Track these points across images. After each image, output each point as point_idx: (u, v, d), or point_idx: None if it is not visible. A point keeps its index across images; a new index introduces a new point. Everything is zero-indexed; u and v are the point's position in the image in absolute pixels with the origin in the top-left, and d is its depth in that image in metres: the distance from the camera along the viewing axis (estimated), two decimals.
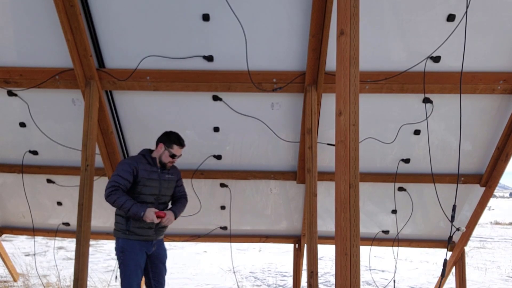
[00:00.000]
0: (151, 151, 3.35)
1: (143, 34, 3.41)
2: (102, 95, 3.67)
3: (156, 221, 3.08)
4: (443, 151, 3.93)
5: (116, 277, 3.36)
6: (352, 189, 2.05)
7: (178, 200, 3.44)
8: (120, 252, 3.18)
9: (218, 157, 4.10)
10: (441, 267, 2.81)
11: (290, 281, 6.35)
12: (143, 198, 3.19)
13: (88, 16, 3.30)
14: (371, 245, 4.53)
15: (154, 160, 3.27)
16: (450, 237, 3.00)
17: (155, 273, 3.36)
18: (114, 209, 4.43)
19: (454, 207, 2.69)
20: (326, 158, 3.98)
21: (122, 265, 3.17)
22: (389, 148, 3.93)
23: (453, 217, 2.67)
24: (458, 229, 2.89)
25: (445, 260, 2.86)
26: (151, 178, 3.21)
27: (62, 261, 7.71)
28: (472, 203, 4.20)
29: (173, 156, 3.25)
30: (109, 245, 10.06)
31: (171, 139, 3.25)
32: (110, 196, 3.03)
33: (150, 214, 3.05)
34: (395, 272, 4.62)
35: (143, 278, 3.38)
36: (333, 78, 3.00)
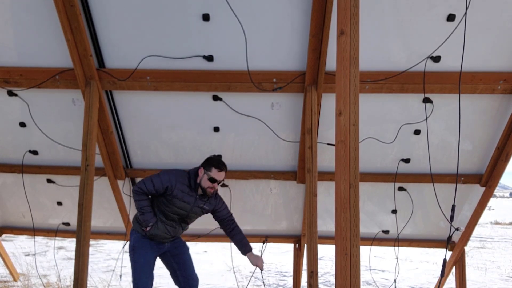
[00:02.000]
0: (197, 175, 3.20)
1: (143, 34, 3.40)
2: (102, 95, 3.67)
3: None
4: (443, 151, 3.93)
5: (120, 276, 3.38)
6: (352, 189, 2.05)
7: (236, 233, 3.40)
8: (131, 250, 3.24)
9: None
10: (441, 267, 2.81)
11: (290, 281, 6.34)
12: (167, 213, 3.19)
13: (88, 16, 3.30)
14: (371, 245, 4.53)
15: (196, 185, 3.17)
16: (450, 237, 3.01)
17: (181, 266, 3.35)
18: (114, 209, 4.48)
19: (453, 207, 2.70)
20: (326, 158, 3.97)
21: (133, 263, 3.21)
22: (389, 148, 3.93)
23: (452, 217, 2.67)
24: (457, 229, 2.89)
25: (445, 260, 2.86)
26: (184, 201, 3.15)
27: (62, 261, 7.71)
28: (472, 203, 4.20)
29: (212, 180, 3.12)
30: (109, 245, 10.06)
31: (210, 162, 3.16)
32: (135, 193, 3.14)
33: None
34: (397, 273, 4.62)
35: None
36: (333, 78, 2.99)
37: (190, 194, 3.16)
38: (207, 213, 3.36)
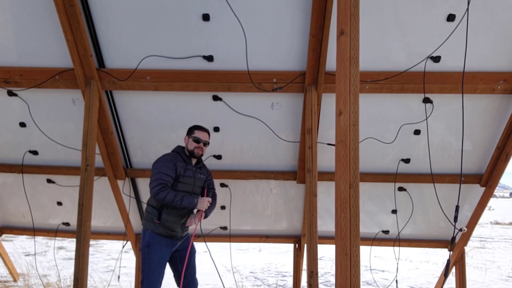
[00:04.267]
0: (184, 148, 3.32)
1: (143, 34, 3.41)
2: (102, 95, 3.67)
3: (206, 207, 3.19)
4: (443, 151, 3.93)
5: (118, 277, 3.36)
6: (352, 189, 2.05)
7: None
8: (146, 247, 3.17)
9: (218, 157, 4.10)
10: (441, 267, 2.81)
11: (290, 281, 6.34)
12: None
13: (88, 16, 3.30)
14: (371, 245, 4.53)
15: (189, 158, 3.27)
16: (453, 238, 2.99)
17: (186, 269, 3.31)
18: (114, 209, 4.48)
19: (457, 207, 2.67)
20: (326, 158, 3.97)
21: (147, 260, 3.15)
22: (389, 148, 3.93)
23: (456, 217, 2.65)
24: (460, 230, 2.87)
25: (448, 261, 2.85)
26: (186, 176, 3.21)
27: (62, 261, 7.72)
28: (472, 203, 4.20)
29: (197, 140, 3.22)
30: (109, 245, 10.08)
31: (191, 128, 3.30)
32: (159, 194, 3.02)
33: (204, 203, 3.16)
34: (396, 273, 4.62)
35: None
36: (333, 78, 3.00)
37: (188, 167, 3.23)
38: (204, 182, 3.40)
